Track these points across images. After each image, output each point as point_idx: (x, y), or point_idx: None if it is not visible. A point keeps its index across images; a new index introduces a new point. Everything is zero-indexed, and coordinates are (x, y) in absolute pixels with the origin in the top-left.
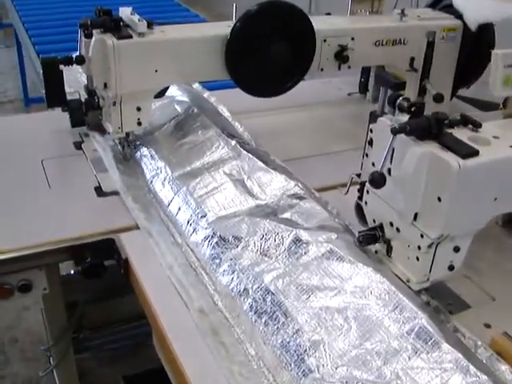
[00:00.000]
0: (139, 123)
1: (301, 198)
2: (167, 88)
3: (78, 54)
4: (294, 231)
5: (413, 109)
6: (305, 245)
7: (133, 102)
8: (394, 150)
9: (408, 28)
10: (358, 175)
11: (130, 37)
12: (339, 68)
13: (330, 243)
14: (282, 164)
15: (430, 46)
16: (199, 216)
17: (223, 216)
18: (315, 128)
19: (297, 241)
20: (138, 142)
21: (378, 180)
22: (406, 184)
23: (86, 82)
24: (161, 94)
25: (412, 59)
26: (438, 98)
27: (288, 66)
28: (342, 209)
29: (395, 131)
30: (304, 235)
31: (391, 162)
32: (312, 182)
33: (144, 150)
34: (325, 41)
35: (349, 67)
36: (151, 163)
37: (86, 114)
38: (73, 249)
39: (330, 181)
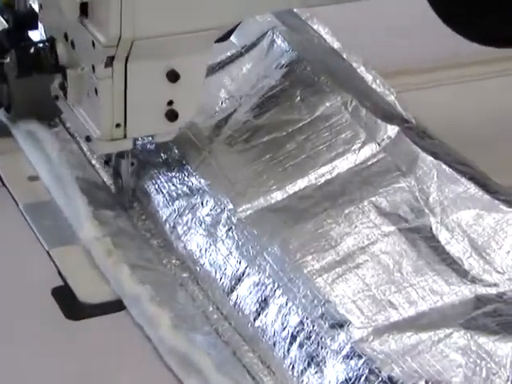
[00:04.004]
0: (173, 114)
1: None
2: (236, 26)
3: None
4: None
5: None
6: None
7: (160, 58)
8: None
9: None
10: None
11: None
12: None
13: None
14: None
15: None
16: (326, 323)
17: (391, 325)
18: None
19: None
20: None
21: None
22: None
23: None
24: (225, 36)
25: None
26: None
27: None
28: None
29: None
30: None
31: None
32: None
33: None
34: None
35: None
36: (172, 179)
37: (5, 80)
38: None
39: None
